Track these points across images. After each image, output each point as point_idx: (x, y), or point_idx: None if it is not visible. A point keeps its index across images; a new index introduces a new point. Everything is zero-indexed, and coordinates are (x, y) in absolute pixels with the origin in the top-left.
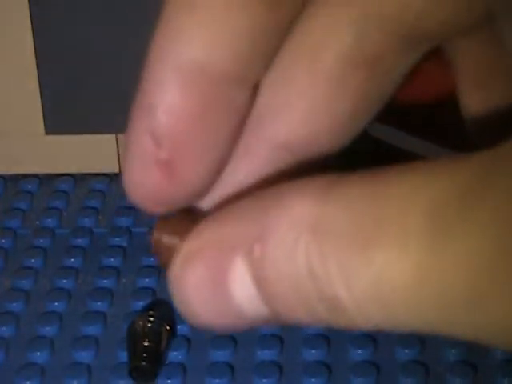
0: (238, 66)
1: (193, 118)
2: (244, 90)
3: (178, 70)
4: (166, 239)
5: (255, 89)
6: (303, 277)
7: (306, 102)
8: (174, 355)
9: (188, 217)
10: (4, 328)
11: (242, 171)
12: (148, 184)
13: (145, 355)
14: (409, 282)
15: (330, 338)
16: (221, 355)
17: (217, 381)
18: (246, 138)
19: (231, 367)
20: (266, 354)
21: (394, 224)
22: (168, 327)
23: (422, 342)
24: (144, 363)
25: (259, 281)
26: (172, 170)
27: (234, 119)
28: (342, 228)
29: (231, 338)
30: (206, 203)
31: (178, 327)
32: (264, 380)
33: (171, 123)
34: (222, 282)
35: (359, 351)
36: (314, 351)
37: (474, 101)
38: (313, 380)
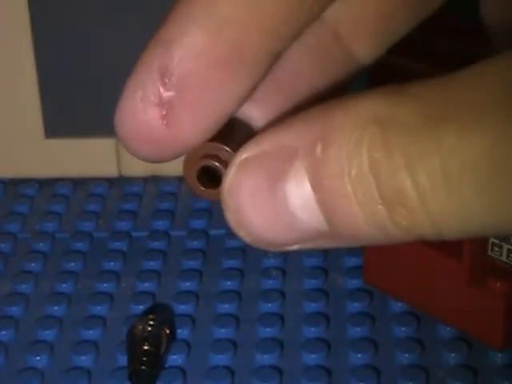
0: (279, 22)
1: (212, 64)
2: (272, 52)
3: (213, 13)
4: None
5: (278, 57)
6: (365, 174)
7: None
8: (174, 359)
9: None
10: (4, 332)
11: (272, 104)
12: (141, 122)
13: (144, 359)
14: (484, 155)
15: (329, 341)
16: (221, 359)
17: None
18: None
19: (231, 371)
20: (265, 359)
21: (466, 103)
22: (168, 331)
23: (422, 347)
24: (144, 367)
25: (317, 183)
26: (171, 114)
27: (252, 79)
28: (410, 116)
29: (231, 342)
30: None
31: (178, 331)
32: None
33: (186, 63)
34: (280, 187)
35: (359, 355)
36: (313, 355)
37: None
38: None
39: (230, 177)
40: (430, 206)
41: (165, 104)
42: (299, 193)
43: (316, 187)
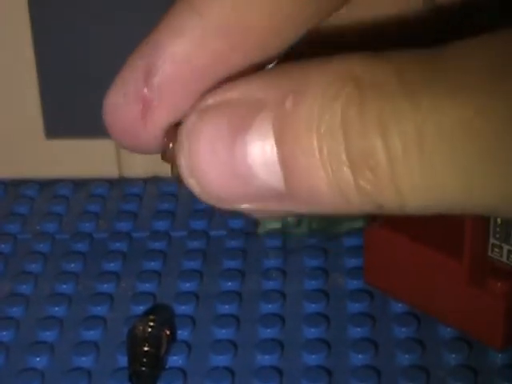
0: (266, 37)
1: (193, 72)
2: (256, 64)
3: (201, 23)
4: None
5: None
6: (335, 132)
7: None
8: (174, 360)
9: None
10: (4, 333)
11: None
12: (124, 117)
13: (145, 360)
14: (463, 124)
15: (330, 342)
16: (221, 360)
17: None
18: None
19: (231, 372)
20: (266, 359)
21: (449, 72)
22: (168, 332)
23: (422, 347)
24: (144, 368)
25: (282, 136)
26: (150, 113)
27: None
28: (388, 79)
29: (231, 343)
30: None
31: (178, 332)
32: None
33: (168, 68)
34: (241, 137)
35: (359, 356)
36: (314, 356)
37: None
38: None
39: (190, 120)
40: (398, 171)
41: (145, 102)
42: (260, 146)
43: (279, 141)
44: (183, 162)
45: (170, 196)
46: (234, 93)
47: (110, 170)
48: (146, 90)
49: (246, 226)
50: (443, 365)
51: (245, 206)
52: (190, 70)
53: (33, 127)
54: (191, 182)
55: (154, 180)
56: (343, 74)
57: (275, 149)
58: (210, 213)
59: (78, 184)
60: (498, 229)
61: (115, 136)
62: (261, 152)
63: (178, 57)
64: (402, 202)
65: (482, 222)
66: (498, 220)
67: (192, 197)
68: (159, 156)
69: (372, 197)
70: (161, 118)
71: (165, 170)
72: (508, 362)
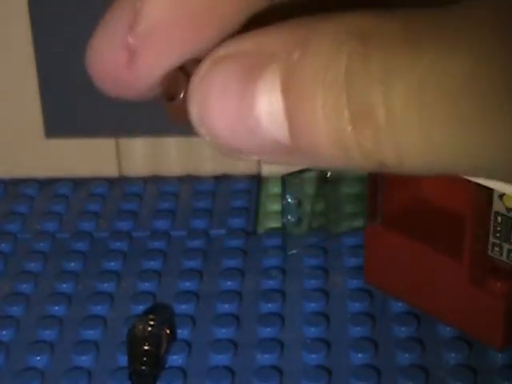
0: None
1: (180, 19)
2: (244, 12)
3: None
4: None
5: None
6: (339, 84)
7: None
8: (174, 359)
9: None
10: (4, 332)
11: None
12: (108, 64)
13: (145, 359)
14: (465, 74)
15: (330, 341)
16: (221, 359)
17: None
18: None
19: (231, 371)
20: (266, 359)
21: (454, 23)
22: (168, 331)
23: (422, 347)
24: (144, 367)
25: (288, 87)
26: (135, 58)
27: (220, 35)
28: (394, 32)
29: (231, 342)
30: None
31: (178, 331)
32: None
33: (153, 15)
34: (250, 88)
35: (359, 355)
36: (314, 355)
37: None
38: None
39: (202, 69)
40: (397, 128)
41: (130, 51)
42: (268, 97)
43: (285, 93)
44: (194, 111)
45: (170, 195)
46: (245, 45)
47: (109, 169)
48: (131, 38)
49: (246, 226)
50: (443, 364)
51: (255, 157)
52: (175, 18)
53: (33, 127)
54: (201, 131)
55: (154, 179)
56: (349, 28)
57: (281, 101)
58: (210, 212)
59: (78, 183)
60: (498, 228)
61: (99, 82)
62: (268, 103)
63: (163, 4)
64: (400, 160)
65: (482, 221)
66: (499, 219)
67: (192, 196)
68: (159, 155)
69: (372, 154)
70: (146, 67)
71: (165, 169)
72: (508, 362)
